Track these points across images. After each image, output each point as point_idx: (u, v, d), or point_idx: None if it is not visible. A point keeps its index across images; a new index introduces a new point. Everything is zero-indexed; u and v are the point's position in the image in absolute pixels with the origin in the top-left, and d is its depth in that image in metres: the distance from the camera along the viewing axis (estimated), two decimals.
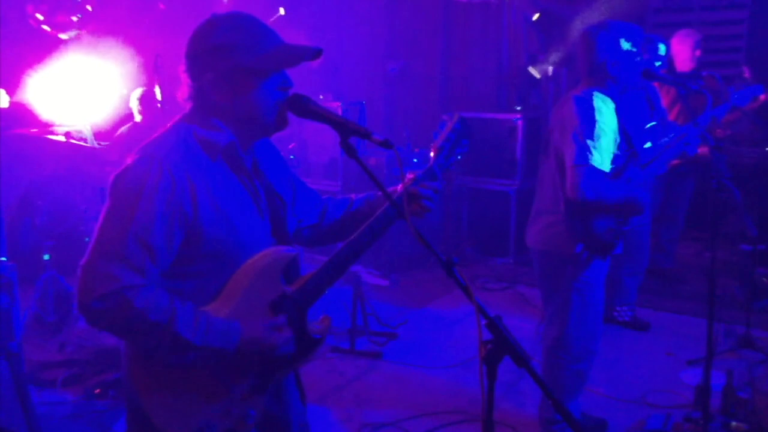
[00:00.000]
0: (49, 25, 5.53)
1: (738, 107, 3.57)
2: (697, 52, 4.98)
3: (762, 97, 4.05)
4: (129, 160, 1.62)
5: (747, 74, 4.91)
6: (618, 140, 2.89)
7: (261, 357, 1.68)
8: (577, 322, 3.01)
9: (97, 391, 3.69)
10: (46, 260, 4.51)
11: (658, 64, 4.42)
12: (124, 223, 1.55)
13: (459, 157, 1.92)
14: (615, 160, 2.88)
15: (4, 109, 4.48)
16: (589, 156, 2.73)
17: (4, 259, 3.25)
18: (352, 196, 2.05)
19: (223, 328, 1.61)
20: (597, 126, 2.76)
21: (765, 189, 5.40)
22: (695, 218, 5.42)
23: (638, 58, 2.90)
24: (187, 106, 1.72)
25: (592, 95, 2.84)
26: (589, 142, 2.74)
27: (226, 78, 1.63)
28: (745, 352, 4.20)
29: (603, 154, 2.75)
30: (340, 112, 5.83)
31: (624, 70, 2.88)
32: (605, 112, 2.81)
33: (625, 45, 2.86)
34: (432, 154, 1.89)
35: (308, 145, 6.62)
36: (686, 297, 5.20)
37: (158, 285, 1.59)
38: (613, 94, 2.91)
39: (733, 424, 3.21)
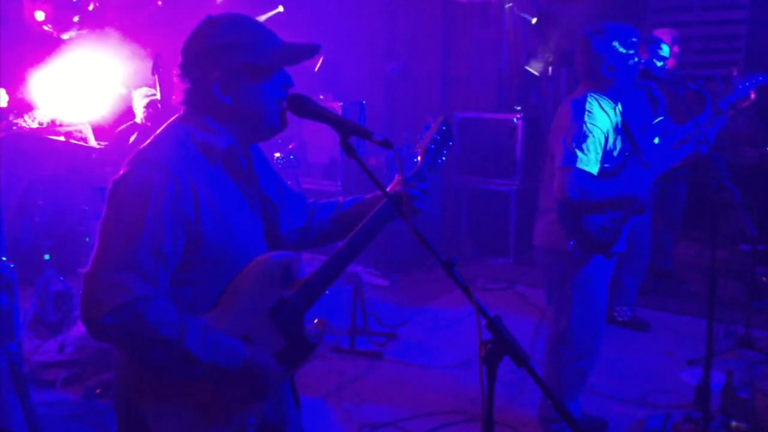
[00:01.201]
0: (48, 25, 5.53)
1: (744, 98, 3.54)
2: (675, 48, 4.92)
3: (752, 96, 4.00)
4: (127, 166, 1.58)
5: (735, 73, 4.88)
6: (616, 138, 2.91)
7: (258, 377, 1.68)
8: (578, 318, 3.03)
9: (98, 391, 3.69)
10: (46, 260, 4.51)
11: (659, 64, 4.41)
12: (134, 230, 1.50)
13: (444, 158, 1.94)
14: (613, 158, 2.90)
15: (4, 108, 4.49)
16: (576, 159, 2.77)
17: (4, 259, 3.25)
18: (340, 198, 2.03)
19: (229, 346, 1.60)
20: (584, 127, 2.80)
21: (765, 189, 5.40)
22: (695, 218, 5.42)
23: (633, 61, 2.92)
24: (182, 109, 1.69)
25: (587, 98, 2.88)
26: (575, 144, 2.79)
27: (233, 76, 1.62)
28: (745, 352, 4.20)
29: (590, 155, 2.79)
30: (340, 112, 5.83)
31: (619, 72, 2.91)
32: (596, 112, 2.84)
33: (620, 48, 2.89)
34: (419, 156, 1.90)
35: (308, 145, 6.61)
36: (686, 297, 5.20)
37: (168, 296, 1.56)
38: (611, 95, 2.94)
39: (733, 424, 3.22)
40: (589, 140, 2.79)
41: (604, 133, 2.84)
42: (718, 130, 3.25)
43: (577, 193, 2.77)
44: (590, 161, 2.78)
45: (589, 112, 2.83)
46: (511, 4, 6.83)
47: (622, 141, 2.95)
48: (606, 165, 2.87)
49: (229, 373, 1.61)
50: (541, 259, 3.16)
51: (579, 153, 2.78)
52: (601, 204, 2.84)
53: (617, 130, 2.92)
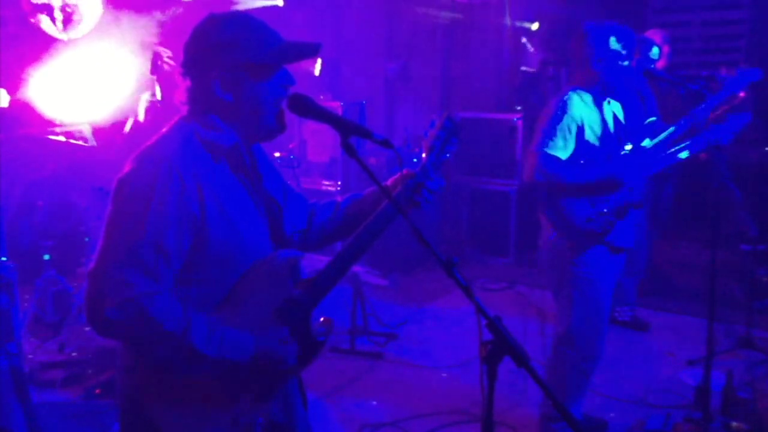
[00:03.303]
0: (48, 25, 5.53)
1: (735, 94, 3.38)
2: (665, 49, 4.89)
3: (741, 94, 3.87)
4: (132, 164, 1.58)
5: (724, 74, 4.80)
6: (600, 133, 2.95)
7: (270, 369, 1.67)
8: (579, 319, 3.03)
9: (98, 391, 3.69)
10: (46, 260, 4.51)
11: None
12: (137, 227, 1.50)
13: (448, 155, 1.93)
14: (597, 150, 2.93)
15: (4, 108, 4.48)
16: (544, 144, 2.88)
17: (4, 259, 3.25)
18: (338, 198, 2.03)
19: (236, 339, 1.59)
20: (557, 116, 2.90)
21: (765, 189, 5.39)
22: (695, 218, 5.42)
23: (622, 62, 2.95)
24: (185, 108, 1.69)
25: (568, 93, 2.95)
26: (546, 131, 2.90)
27: (232, 74, 1.62)
28: (745, 352, 4.20)
29: (557, 141, 2.88)
30: (340, 112, 5.83)
31: (607, 68, 2.94)
32: (573, 104, 2.91)
33: (615, 45, 2.93)
34: (424, 153, 1.90)
35: (308, 145, 6.61)
36: (686, 297, 5.20)
37: (172, 292, 1.55)
38: (596, 92, 2.99)
39: (734, 424, 3.21)
40: (558, 128, 2.89)
41: (577, 123, 2.90)
42: (738, 130, 3.17)
43: (540, 175, 2.88)
44: (557, 146, 2.88)
45: (565, 103, 2.92)
46: (512, 22, 6.83)
47: (607, 134, 2.97)
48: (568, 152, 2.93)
49: (238, 367, 1.60)
50: (543, 258, 3.17)
51: (547, 139, 2.89)
52: (572, 187, 2.89)
53: (602, 124, 2.96)
